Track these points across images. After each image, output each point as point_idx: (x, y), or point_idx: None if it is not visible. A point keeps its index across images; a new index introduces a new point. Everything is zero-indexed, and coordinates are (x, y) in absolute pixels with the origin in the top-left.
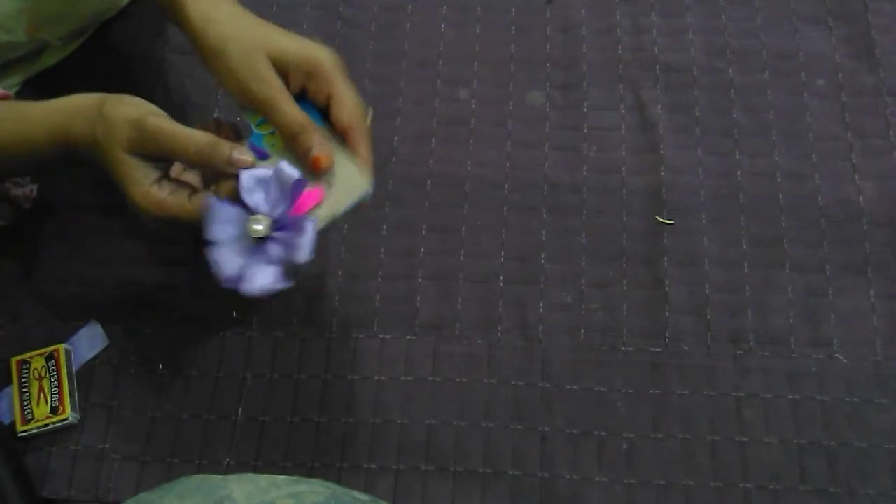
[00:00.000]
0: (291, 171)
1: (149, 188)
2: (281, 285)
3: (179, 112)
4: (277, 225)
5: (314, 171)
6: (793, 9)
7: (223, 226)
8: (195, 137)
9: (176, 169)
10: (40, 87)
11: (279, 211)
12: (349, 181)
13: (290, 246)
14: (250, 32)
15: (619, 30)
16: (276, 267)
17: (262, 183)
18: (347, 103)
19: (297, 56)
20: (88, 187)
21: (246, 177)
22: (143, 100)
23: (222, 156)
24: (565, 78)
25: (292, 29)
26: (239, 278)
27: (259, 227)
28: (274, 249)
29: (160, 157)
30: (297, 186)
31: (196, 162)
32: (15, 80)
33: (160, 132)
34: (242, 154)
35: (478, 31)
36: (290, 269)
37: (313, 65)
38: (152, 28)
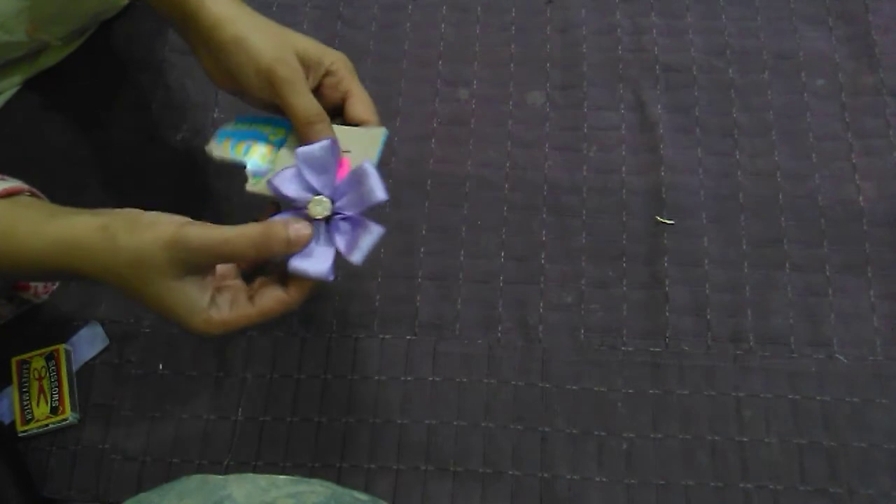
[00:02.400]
0: (316, 146)
1: (209, 313)
2: (331, 276)
3: (180, 112)
4: (336, 196)
5: None
6: (793, 9)
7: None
8: (247, 233)
9: (219, 276)
10: (40, 87)
11: (330, 181)
12: (365, 138)
13: (362, 198)
14: (273, 29)
15: (619, 30)
16: (333, 253)
17: (295, 177)
18: (363, 99)
19: (317, 55)
20: (88, 187)
21: (278, 180)
22: (152, 212)
23: (280, 239)
24: (565, 78)
25: (292, 29)
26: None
27: (320, 208)
28: (337, 234)
29: (207, 268)
30: (333, 149)
31: (255, 258)
32: (15, 80)
33: (208, 242)
34: (298, 225)
35: (478, 31)
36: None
37: (334, 64)
38: (152, 28)
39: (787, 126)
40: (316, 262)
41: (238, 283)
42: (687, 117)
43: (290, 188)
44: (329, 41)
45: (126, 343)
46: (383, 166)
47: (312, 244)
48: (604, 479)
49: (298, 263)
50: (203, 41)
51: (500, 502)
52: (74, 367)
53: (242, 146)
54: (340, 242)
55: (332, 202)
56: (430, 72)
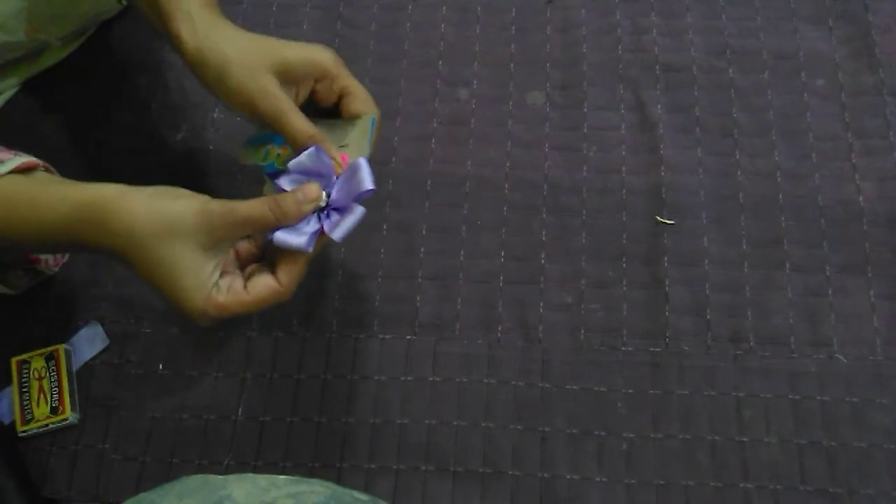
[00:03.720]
0: (303, 155)
1: (211, 292)
2: (309, 248)
3: (180, 112)
4: (332, 202)
5: None
6: (793, 9)
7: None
8: (264, 200)
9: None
10: (40, 86)
11: (325, 180)
12: (357, 129)
13: (353, 190)
14: (249, 51)
15: (619, 30)
16: (316, 230)
17: (294, 182)
18: (360, 94)
19: (301, 66)
20: None
21: (283, 182)
22: (174, 187)
23: (293, 198)
24: (565, 78)
25: (292, 29)
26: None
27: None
28: (326, 221)
29: (226, 246)
30: (319, 153)
31: (274, 224)
32: (14, 80)
33: (233, 212)
34: (306, 189)
35: (478, 31)
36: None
37: (319, 70)
38: (152, 28)
39: (787, 126)
40: (298, 236)
41: (237, 272)
42: (687, 117)
43: (289, 187)
44: (329, 41)
45: (126, 343)
46: (383, 164)
47: (302, 223)
48: (604, 479)
49: (282, 235)
50: (191, 70)
51: (500, 502)
52: (74, 367)
53: (262, 150)
54: (327, 226)
55: (328, 196)
56: (430, 72)
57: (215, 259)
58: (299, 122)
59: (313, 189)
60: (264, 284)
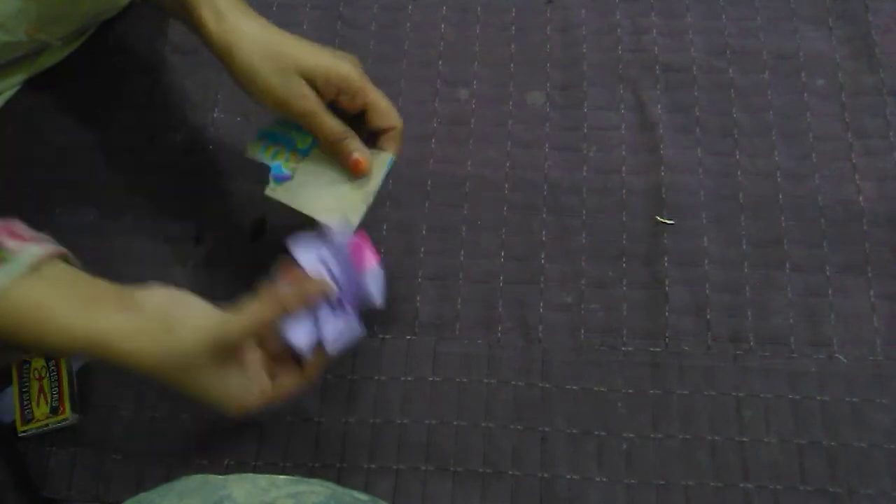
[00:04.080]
0: (341, 237)
1: (242, 400)
2: (309, 355)
3: (180, 112)
4: (342, 285)
5: (354, 172)
6: (793, 9)
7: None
8: (282, 303)
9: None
10: (40, 86)
11: (340, 271)
12: (375, 161)
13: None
14: (279, 50)
15: (619, 30)
16: (316, 339)
17: (312, 249)
18: (384, 109)
19: (325, 75)
20: (88, 187)
21: (298, 249)
22: (178, 304)
23: (309, 298)
24: (565, 78)
25: (292, 29)
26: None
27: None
28: (326, 324)
29: (240, 350)
30: (350, 247)
31: (280, 318)
32: (15, 80)
33: (245, 329)
34: (314, 285)
35: (478, 31)
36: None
37: (343, 82)
38: (152, 28)
39: (787, 126)
40: (301, 338)
41: (256, 355)
42: (687, 117)
43: (307, 260)
44: (329, 41)
45: None
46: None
47: (307, 321)
48: (604, 479)
49: (285, 332)
50: (221, 62)
51: (500, 502)
52: (74, 367)
53: (272, 149)
54: (325, 331)
55: (340, 290)
56: (430, 72)
57: (235, 367)
58: (331, 122)
59: (315, 290)
60: (291, 383)
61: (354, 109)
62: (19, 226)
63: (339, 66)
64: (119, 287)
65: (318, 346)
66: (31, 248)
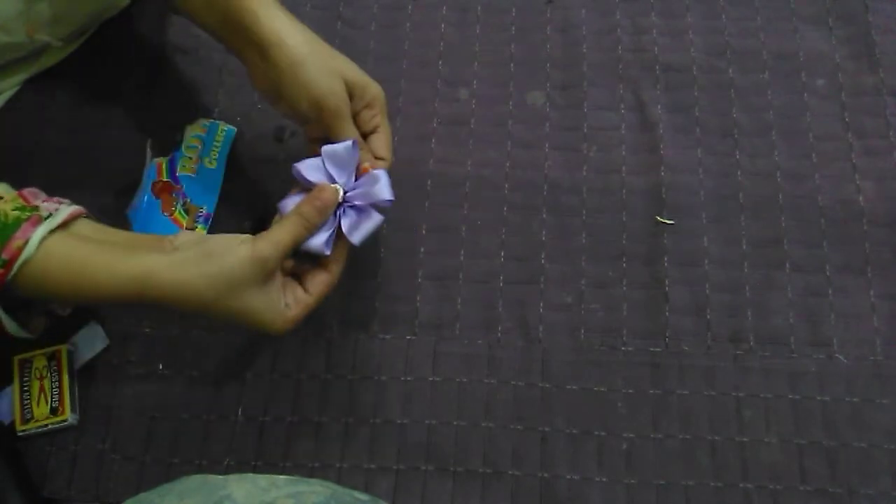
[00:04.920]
0: (340, 145)
1: (285, 313)
2: (327, 251)
3: (180, 112)
4: (350, 189)
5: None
6: (793, 9)
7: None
8: (294, 220)
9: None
10: (41, 86)
11: (347, 176)
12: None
13: (370, 195)
14: (328, 55)
15: (619, 30)
16: (333, 231)
17: (318, 167)
18: (388, 139)
19: (362, 87)
20: (88, 187)
21: (303, 167)
22: (208, 239)
23: (316, 209)
24: (565, 78)
25: None
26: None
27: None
28: (343, 218)
29: (276, 271)
30: (354, 150)
31: (307, 235)
32: (15, 80)
33: (278, 244)
34: (322, 195)
35: (478, 31)
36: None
37: (373, 98)
38: (152, 28)
39: (787, 126)
40: (316, 238)
41: (290, 280)
42: (687, 117)
43: (313, 175)
44: (329, 41)
45: (126, 343)
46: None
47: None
48: (604, 479)
49: (312, 244)
50: (257, 55)
51: (500, 502)
52: (75, 368)
53: (190, 136)
54: (345, 224)
55: (345, 192)
56: (430, 72)
57: (275, 284)
58: (352, 128)
59: (328, 194)
60: (320, 282)
61: (366, 130)
62: (41, 193)
63: (375, 85)
64: (152, 234)
65: (338, 242)
66: (64, 206)
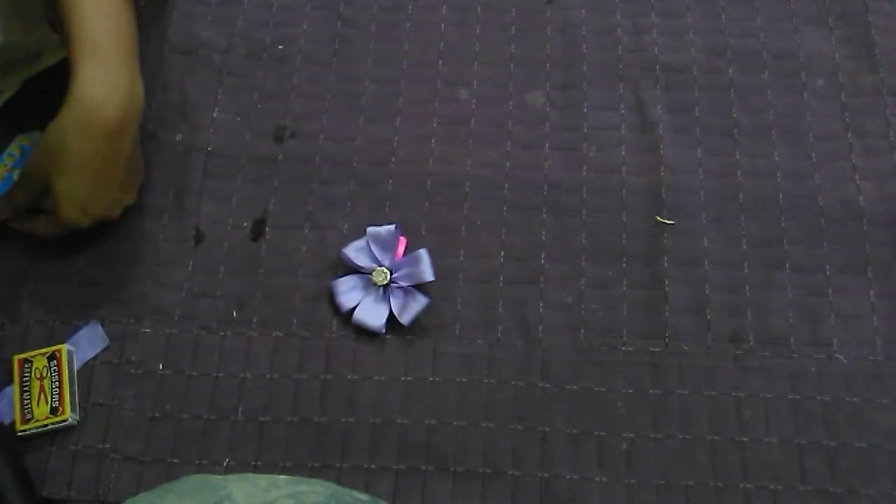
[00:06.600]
0: (383, 229)
1: None
2: (384, 331)
3: (180, 112)
4: (395, 269)
5: None
6: (793, 9)
7: (349, 294)
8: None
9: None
10: (40, 86)
11: (390, 256)
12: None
13: (415, 276)
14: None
15: (619, 30)
16: (388, 313)
17: (363, 250)
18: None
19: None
20: None
21: (350, 251)
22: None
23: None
24: (565, 78)
25: (292, 29)
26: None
27: (381, 277)
28: (392, 299)
29: None
30: (396, 233)
31: None
32: (15, 80)
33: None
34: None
35: (478, 31)
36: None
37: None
38: (152, 28)
39: (787, 126)
40: (374, 318)
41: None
42: (687, 117)
43: (361, 259)
44: (329, 41)
45: (126, 343)
46: (383, 165)
47: (371, 301)
48: (604, 479)
49: (361, 316)
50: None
51: (500, 502)
52: (75, 368)
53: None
54: (395, 306)
55: (391, 273)
56: (430, 72)
57: None
58: None
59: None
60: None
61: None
62: None
63: None
64: None
65: (389, 319)
66: None
